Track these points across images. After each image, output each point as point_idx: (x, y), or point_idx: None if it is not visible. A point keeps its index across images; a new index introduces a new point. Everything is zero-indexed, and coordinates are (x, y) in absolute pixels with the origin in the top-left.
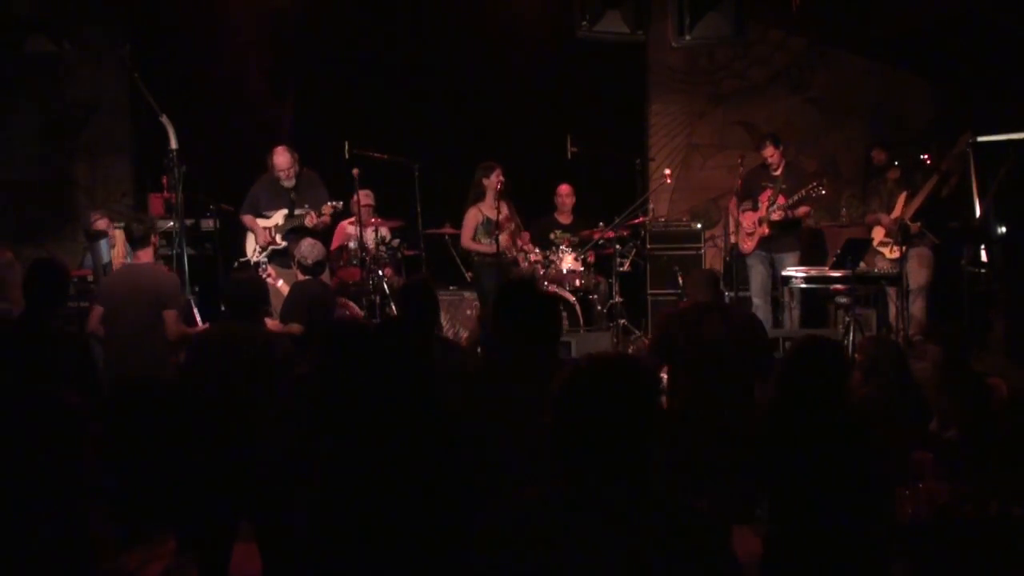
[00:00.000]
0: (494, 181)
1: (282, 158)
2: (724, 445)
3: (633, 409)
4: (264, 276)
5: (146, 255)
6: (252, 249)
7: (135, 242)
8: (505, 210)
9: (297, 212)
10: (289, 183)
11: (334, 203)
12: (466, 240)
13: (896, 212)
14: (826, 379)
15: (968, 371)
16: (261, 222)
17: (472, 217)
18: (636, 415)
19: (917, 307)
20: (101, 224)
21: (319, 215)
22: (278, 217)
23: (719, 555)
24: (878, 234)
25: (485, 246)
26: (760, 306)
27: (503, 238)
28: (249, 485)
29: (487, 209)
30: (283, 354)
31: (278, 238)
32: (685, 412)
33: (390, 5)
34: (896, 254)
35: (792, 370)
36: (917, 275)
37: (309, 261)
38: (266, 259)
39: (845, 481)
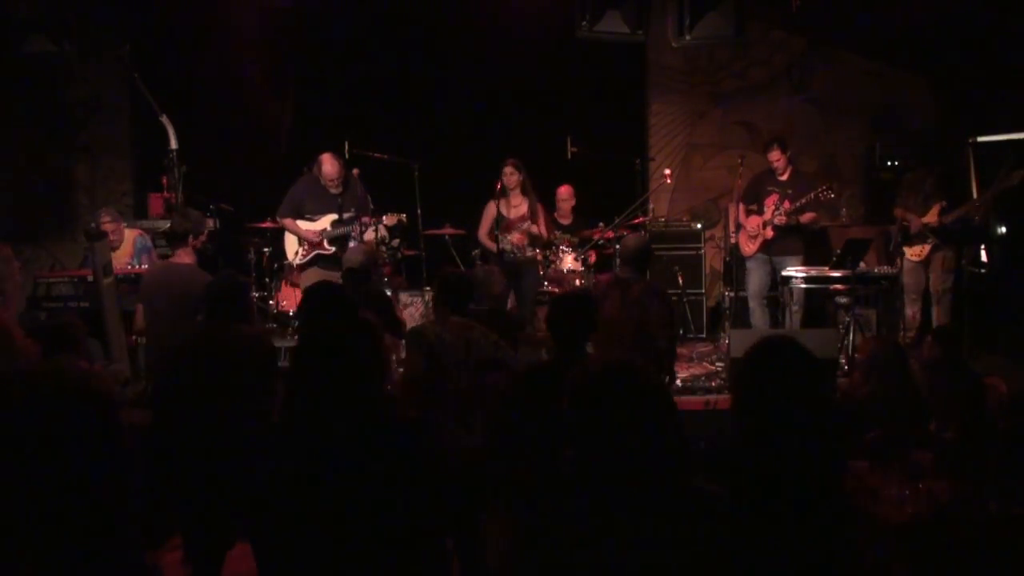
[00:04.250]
0: (504, 179)
1: (331, 167)
2: None
3: (647, 414)
4: None
5: (186, 254)
6: (294, 252)
7: (170, 239)
8: (523, 209)
9: (346, 217)
10: (337, 191)
11: (399, 215)
12: (481, 235)
13: (929, 218)
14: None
15: (964, 369)
16: (304, 225)
17: (489, 211)
18: (651, 419)
19: (939, 311)
20: (107, 223)
21: (367, 225)
22: (325, 222)
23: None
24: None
25: (492, 243)
26: (755, 309)
27: (516, 237)
28: (237, 486)
29: (503, 206)
30: (266, 352)
31: (325, 243)
32: None
33: (390, 6)
34: (918, 256)
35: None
36: (940, 279)
37: (344, 267)
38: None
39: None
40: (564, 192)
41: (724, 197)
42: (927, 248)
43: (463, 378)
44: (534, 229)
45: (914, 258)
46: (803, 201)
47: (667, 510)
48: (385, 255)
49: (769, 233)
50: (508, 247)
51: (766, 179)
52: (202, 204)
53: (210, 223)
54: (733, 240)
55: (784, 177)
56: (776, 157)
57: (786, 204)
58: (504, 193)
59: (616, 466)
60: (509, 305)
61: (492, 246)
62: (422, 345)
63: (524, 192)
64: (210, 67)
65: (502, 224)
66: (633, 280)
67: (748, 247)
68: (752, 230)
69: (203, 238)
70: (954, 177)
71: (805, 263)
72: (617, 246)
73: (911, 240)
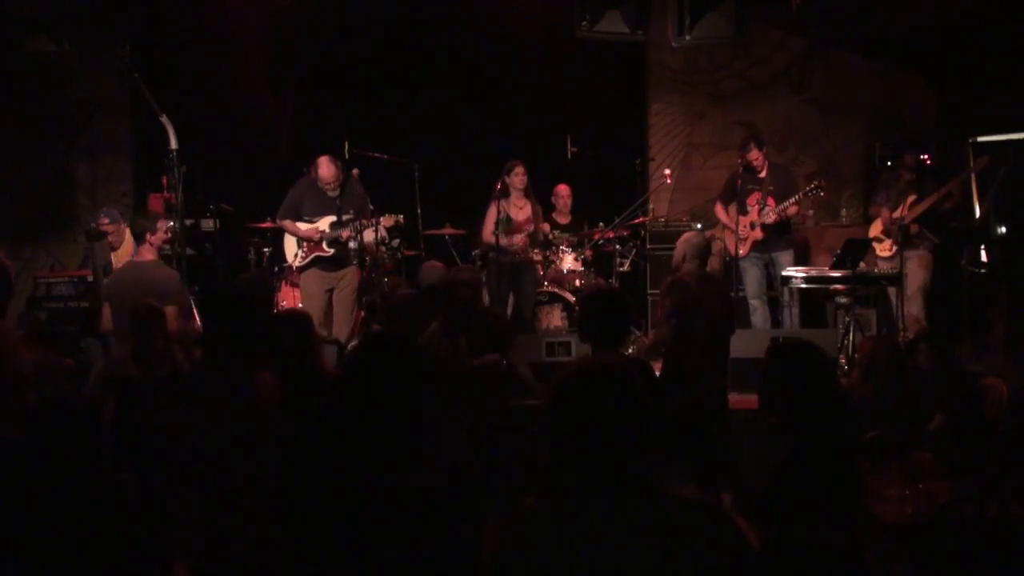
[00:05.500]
0: (514, 180)
1: (327, 171)
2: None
3: (627, 416)
4: None
5: (147, 251)
6: (293, 254)
7: (135, 238)
8: (528, 211)
9: (344, 218)
10: (334, 193)
11: (396, 217)
12: (487, 236)
13: (900, 212)
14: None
15: (960, 372)
16: (303, 227)
17: (492, 213)
18: (631, 421)
19: (915, 308)
20: (106, 223)
21: (365, 226)
22: (323, 224)
23: (736, 548)
24: (875, 229)
25: (504, 240)
26: (758, 307)
27: (519, 239)
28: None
29: (507, 206)
30: None
31: (324, 245)
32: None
33: (390, 5)
34: (888, 252)
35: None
36: (915, 276)
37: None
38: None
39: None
40: (563, 191)
41: (716, 200)
42: (891, 244)
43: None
44: (539, 235)
45: (884, 254)
46: (793, 199)
47: (644, 517)
48: (385, 255)
49: (759, 234)
50: (512, 248)
51: (746, 178)
52: (202, 204)
53: (210, 223)
54: (720, 244)
55: (763, 174)
56: (755, 156)
57: (770, 201)
58: (507, 193)
59: (591, 468)
60: (509, 306)
61: (501, 242)
62: None
63: (527, 194)
64: (210, 67)
65: (510, 225)
66: (711, 274)
67: (740, 249)
68: (741, 232)
69: (160, 235)
70: (931, 171)
71: (796, 257)
72: (617, 246)
73: (907, 239)
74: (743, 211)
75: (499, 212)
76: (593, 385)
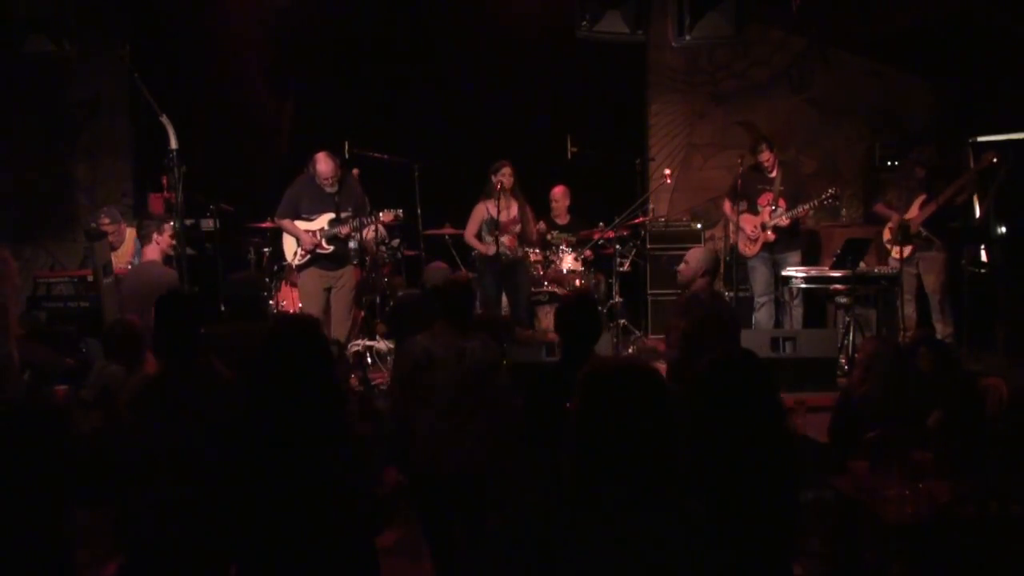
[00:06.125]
0: (499, 179)
1: (325, 166)
2: None
3: (655, 417)
4: None
5: (151, 252)
6: (292, 253)
7: (141, 239)
8: (514, 211)
9: (343, 216)
10: (333, 189)
11: (396, 211)
12: (468, 235)
13: (911, 213)
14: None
15: (960, 375)
16: (302, 225)
17: (478, 212)
18: (658, 423)
19: (936, 314)
20: (107, 223)
21: (366, 222)
22: (322, 221)
23: (728, 551)
24: (887, 232)
25: (483, 245)
26: (766, 304)
27: (507, 239)
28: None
29: (493, 207)
30: None
31: (323, 242)
32: None
33: (390, 5)
34: (899, 255)
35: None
36: (928, 281)
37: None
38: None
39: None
40: (558, 192)
41: (724, 197)
42: (909, 248)
43: (450, 388)
44: (531, 234)
45: (898, 256)
46: (807, 206)
47: (645, 518)
48: (385, 255)
49: (770, 236)
50: (501, 248)
51: (756, 178)
52: (202, 204)
53: (210, 223)
54: (733, 240)
55: (774, 175)
56: (767, 157)
57: (781, 202)
58: (495, 194)
59: (616, 466)
60: (504, 306)
61: (481, 247)
62: (408, 355)
63: (514, 194)
64: (210, 67)
65: (495, 226)
66: (719, 292)
67: (749, 249)
68: (752, 232)
69: (166, 237)
70: (940, 169)
71: (803, 259)
72: (617, 246)
73: (907, 239)
74: (754, 210)
75: (487, 213)
76: (626, 381)
